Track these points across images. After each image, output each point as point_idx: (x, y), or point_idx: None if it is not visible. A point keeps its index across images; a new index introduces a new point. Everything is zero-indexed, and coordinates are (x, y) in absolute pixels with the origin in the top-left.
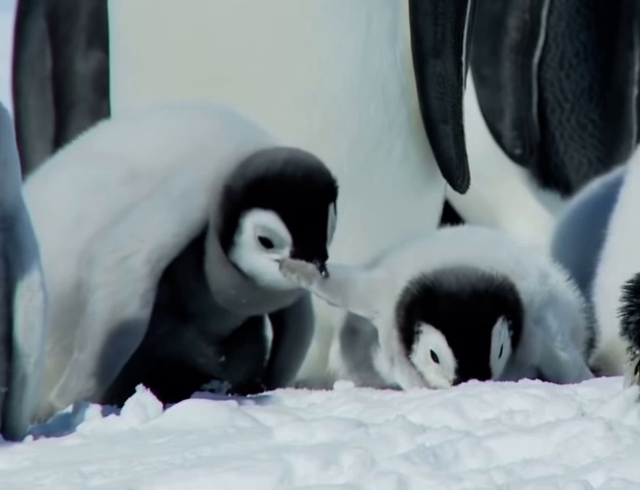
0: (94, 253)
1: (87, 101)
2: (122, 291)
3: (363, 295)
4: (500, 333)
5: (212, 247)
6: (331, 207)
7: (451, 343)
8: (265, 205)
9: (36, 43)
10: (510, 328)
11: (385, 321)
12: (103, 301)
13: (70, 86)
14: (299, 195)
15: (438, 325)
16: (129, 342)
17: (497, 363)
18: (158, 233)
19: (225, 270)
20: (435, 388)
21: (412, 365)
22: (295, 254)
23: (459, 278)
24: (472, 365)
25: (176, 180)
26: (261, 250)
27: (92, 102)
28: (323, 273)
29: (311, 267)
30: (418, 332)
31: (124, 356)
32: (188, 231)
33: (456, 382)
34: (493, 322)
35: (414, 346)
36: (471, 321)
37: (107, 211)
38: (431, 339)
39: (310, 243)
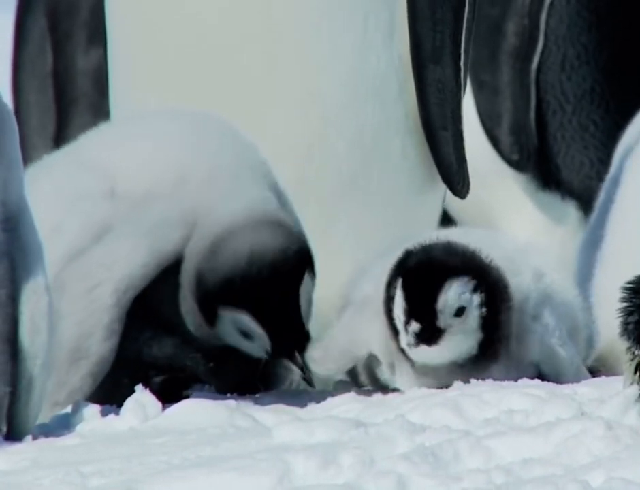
0: (64, 279)
1: (88, 98)
2: (88, 321)
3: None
4: (457, 292)
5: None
6: (303, 284)
7: (406, 296)
8: (237, 305)
9: (36, 40)
10: (480, 294)
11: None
12: (70, 329)
13: (71, 83)
14: (266, 294)
15: (403, 286)
16: (94, 371)
17: (452, 322)
18: (127, 262)
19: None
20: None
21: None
22: (276, 352)
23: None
24: (420, 317)
25: (151, 207)
26: (244, 339)
27: (93, 99)
28: (305, 370)
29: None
30: (393, 296)
31: (89, 385)
32: (158, 261)
33: (411, 342)
34: (445, 279)
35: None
36: (424, 276)
37: (86, 221)
38: (398, 300)
39: (287, 341)
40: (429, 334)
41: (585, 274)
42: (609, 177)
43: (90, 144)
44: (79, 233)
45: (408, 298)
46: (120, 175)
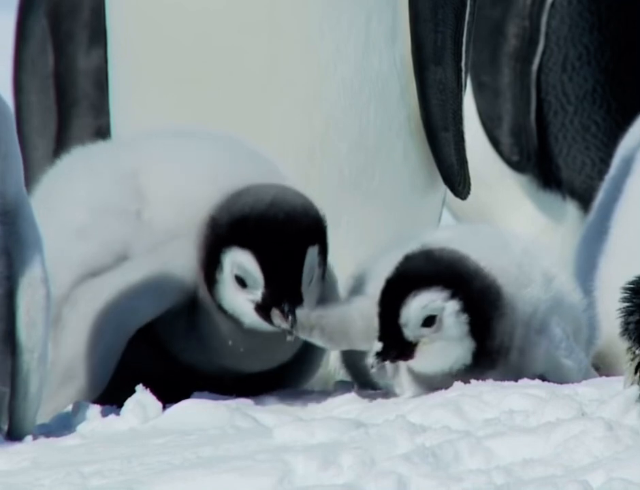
0: (77, 296)
1: (89, 98)
2: (86, 343)
3: (365, 330)
4: (422, 302)
5: (207, 298)
6: (311, 250)
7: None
8: (243, 245)
9: (38, 40)
10: (459, 301)
11: None
12: (68, 346)
13: (72, 83)
14: (276, 238)
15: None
16: (82, 394)
17: (423, 332)
18: (138, 296)
19: (222, 319)
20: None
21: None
22: (265, 297)
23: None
24: (383, 336)
25: (172, 244)
26: (237, 290)
27: (94, 99)
28: (290, 318)
29: (313, 317)
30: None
31: (82, 398)
32: (170, 300)
33: (371, 363)
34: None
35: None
36: (390, 291)
37: (109, 237)
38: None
39: (281, 287)
40: (399, 350)
41: (583, 272)
42: (610, 175)
43: (129, 157)
44: (101, 248)
45: (378, 315)
46: (149, 200)
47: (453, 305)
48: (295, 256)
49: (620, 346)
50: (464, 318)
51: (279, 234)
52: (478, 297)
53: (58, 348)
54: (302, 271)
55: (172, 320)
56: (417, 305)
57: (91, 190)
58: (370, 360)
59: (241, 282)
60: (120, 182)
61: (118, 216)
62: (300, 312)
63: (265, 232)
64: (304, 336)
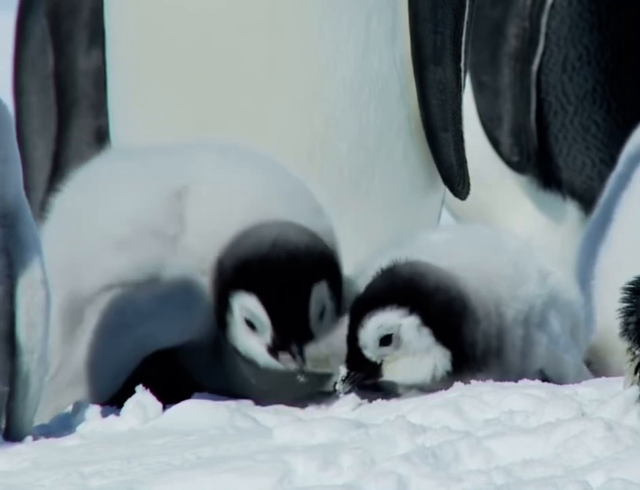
0: (104, 303)
1: (89, 98)
2: (99, 354)
3: None
4: (376, 323)
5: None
6: (317, 287)
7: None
8: (248, 289)
9: (37, 40)
10: (418, 316)
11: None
12: (81, 350)
13: (72, 83)
14: (278, 280)
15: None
16: (92, 397)
17: (384, 351)
18: (160, 320)
19: (242, 359)
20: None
21: None
22: (274, 340)
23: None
24: (349, 362)
25: (200, 281)
26: (248, 333)
27: (94, 100)
28: (298, 359)
29: (322, 348)
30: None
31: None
32: (190, 332)
33: (340, 389)
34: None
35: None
36: (350, 316)
37: (145, 251)
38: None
39: (288, 330)
40: (364, 372)
41: (585, 269)
42: (616, 172)
43: (177, 173)
44: (135, 264)
45: (346, 341)
46: (188, 226)
47: (411, 321)
48: (299, 297)
49: (613, 340)
50: (427, 331)
51: (281, 276)
52: (439, 311)
53: (75, 346)
54: (308, 310)
55: (196, 352)
56: (372, 326)
57: (134, 204)
58: (337, 386)
59: (250, 325)
60: (164, 202)
61: (155, 236)
62: (309, 349)
63: (268, 275)
64: (322, 370)
